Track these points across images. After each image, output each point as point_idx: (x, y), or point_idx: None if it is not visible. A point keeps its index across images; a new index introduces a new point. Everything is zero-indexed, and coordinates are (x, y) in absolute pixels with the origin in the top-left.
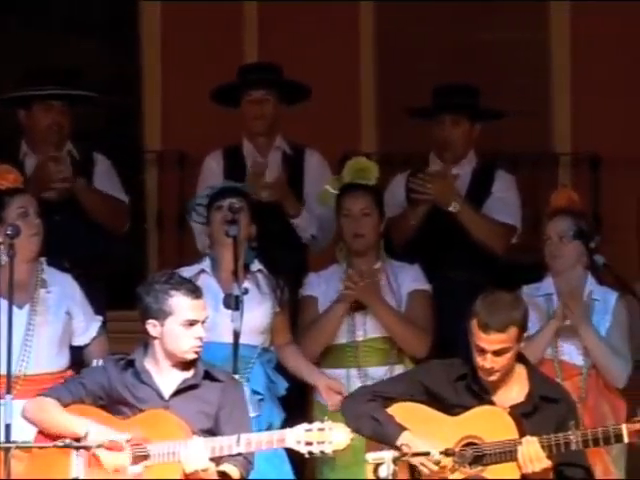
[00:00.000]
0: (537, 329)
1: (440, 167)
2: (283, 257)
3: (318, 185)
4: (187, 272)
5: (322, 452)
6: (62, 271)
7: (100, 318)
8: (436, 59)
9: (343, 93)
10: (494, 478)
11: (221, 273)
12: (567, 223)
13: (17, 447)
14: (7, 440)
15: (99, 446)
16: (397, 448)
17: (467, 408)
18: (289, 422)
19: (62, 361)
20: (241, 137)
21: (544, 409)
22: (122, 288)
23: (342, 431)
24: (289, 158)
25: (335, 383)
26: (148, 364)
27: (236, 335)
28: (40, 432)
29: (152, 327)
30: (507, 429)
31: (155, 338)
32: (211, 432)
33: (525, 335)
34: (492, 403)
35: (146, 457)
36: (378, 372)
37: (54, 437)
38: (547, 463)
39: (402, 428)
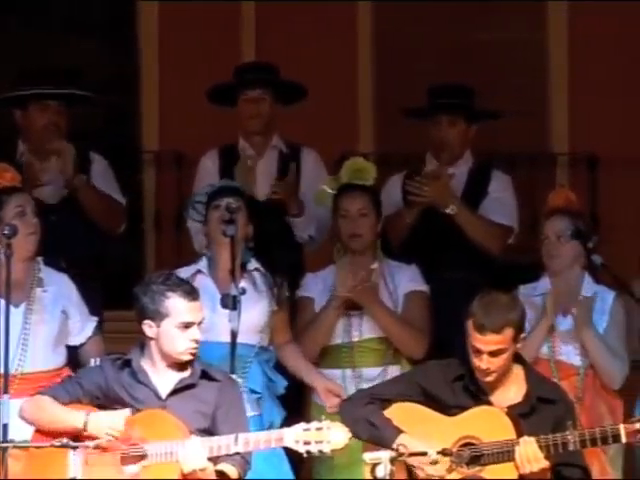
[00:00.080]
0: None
1: (436, 167)
2: (279, 257)
3: (314, 184)
4: (183, 273)
5: (320, 451)
6: (59, 271)
7: (96, 318)
8: (433, 59)
9: (341, 93)
10: (492, 478)
11: (218, 273)
12: (565, 223)
13: (14, 446)
14: (4, 439)
15: (96, 447)
16: (395, 450)
17: (464, 409)
18: (288, 421)
19: (58, 359)
20: (237, 137)
21: (541, 410)
22: (119, 288)
23: (340, 430)
24: (285, 157)
25: (334, 385)
26: (145, 364)
27: (233, 335)
28: (37, 431)
29: (148, 328)
30: (505, 429)
31: (151, 339)
32: (208, 431)
33: (522, 336)
34: (489, 404)
35: (144, 457)
36: (372, 373)
37: (52, 435)
38: (545, 463)
39: (399, 431)
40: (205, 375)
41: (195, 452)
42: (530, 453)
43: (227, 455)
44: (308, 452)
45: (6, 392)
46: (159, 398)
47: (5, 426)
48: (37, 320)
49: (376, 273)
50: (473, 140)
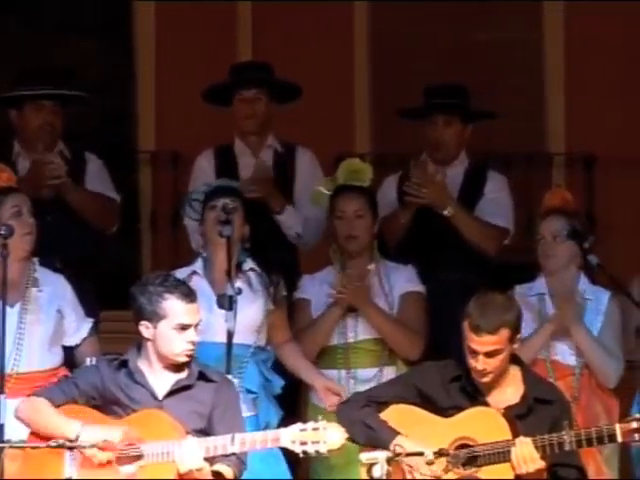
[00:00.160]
0: (530, 329)
1: (432, 168)
2: (274, 257)
3: (309, 183)
4: (179, 274)
5: (317, 452)
6: (54, 271)
7: (92, 320)
8: (430, 59)
9: (337, 93)
10: (488, 479)
11: (214, 274)
12: (561, 223)
13: (10, 446)
14: (0, 440)
15: (92, 446)
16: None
17: (461, 409)
18: (284, 421)
19: (54, 359)
20: (233, 136)
21: (538, 411)
22: (116, 288)
23: (337, 431)
24: (281, 156)
25: (334, 384)
26: (141, 364)
27: (229, 335)
28: (32, 433)
29: (145, 329)
30: (500, 430)
31: (148, 340)
32: (204, 432)
33: (519, 336)
34: (486, 404)
35: (140, 457)
36: (368, 374)
37: (46, 438)
38: (541, 464)
39: (395, 432)
40: (202, 376)
41: (191, 452)
42: (526, 453)
43: (223, 456)
44: (305, 452)
45: (2, 392)
46: (156, 399)
47: (1, 426)
48: (32, 320)
49: (370, 274)
50: (469, 140)
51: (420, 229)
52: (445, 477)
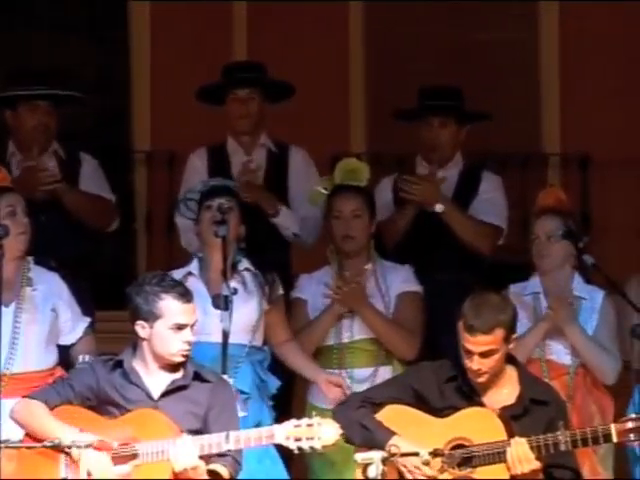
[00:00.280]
0: (525, 328)
1: (426, 169)
2: (268, 257)
3: (303, 183)
4: (175, 275)
5: (311, 448)
6: (49, 270)
7: (88, 319)
8: (425, 59)
9: (332, 93)
10: (483, 479)
11: (209, 274)
12: (555, 222)
13: (6, 446)
14: None
15: (88, 446)
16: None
17: (457, 410)
18: (278, 421)
19: (50, 359)
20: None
21: (534, 411)
22: (111, 288)
23: (331, 427)
24: (274, 156)
25: (334, 377)
26: (137, 365)
27: (225, 335)
28: (27, 434)
29: (141, 328)
30: (496, 430)
31: (144, 339)
32: (200, 433)
33: (514, 336)
34: (482, 405)
35: (135, 456)
36: (364, 373)
37: (41, 440)
38: (536, 464)
39: (391, 433)
40: (197, 376)
41: (186, 450)
42: (521, 454)
43: (218, 456)
44: (299, 449)
45: None
46: (151, 399)
47: None
48: (28, 319)
49: (367, 274)
50: (464, 141)
51: (415, 229)
52: (440, 477)
